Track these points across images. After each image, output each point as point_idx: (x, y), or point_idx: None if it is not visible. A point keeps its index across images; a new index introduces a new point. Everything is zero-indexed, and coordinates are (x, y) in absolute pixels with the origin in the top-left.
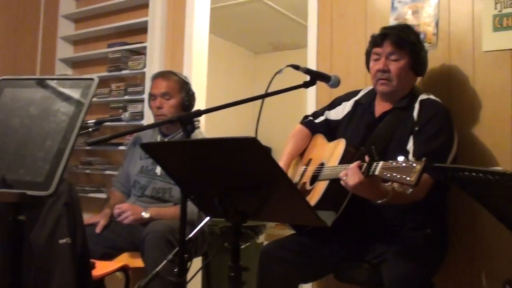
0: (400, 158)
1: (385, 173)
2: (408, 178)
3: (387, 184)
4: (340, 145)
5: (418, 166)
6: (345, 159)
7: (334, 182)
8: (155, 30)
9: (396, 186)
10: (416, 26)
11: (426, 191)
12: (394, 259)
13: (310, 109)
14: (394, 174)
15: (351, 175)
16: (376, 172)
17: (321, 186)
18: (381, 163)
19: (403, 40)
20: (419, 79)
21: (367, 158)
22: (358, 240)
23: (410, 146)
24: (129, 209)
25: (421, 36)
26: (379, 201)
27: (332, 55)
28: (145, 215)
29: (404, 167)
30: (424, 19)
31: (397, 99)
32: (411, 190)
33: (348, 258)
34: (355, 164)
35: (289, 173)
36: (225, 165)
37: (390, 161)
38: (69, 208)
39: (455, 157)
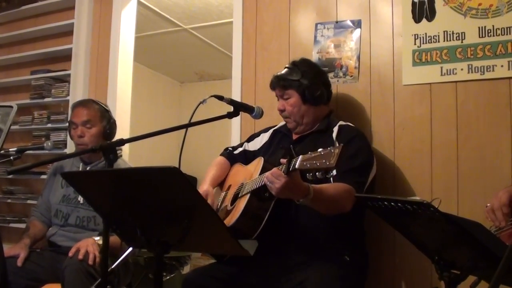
0: (320, 149)
1: (305, 163)
2: (328, 163)
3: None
4: (259, 163)
5: (336, 150)
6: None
7: (255, 195)
8: (79, 58)
9: (318, 174)
10: (338, 59)
11: (352, 203)
12: None
13: (235, 139)
14: (314, 162)
15: (274, 178)
16: (297, 166)
17: (242, 202)
18: (300, 156)
19: (285, 81)
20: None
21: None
22: (281, 266)
23: None
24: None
25: (343, 69)
26: (302, 199)
27: (256, 87)
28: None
29: (323, 154)
30: (346, 53)
31: (309, 128)
32: (332, 174)
33: (272, 286)
34: (275, 168)
35: (210, 201)
36: (147, 195)
37: (310, 152)
38: None
39: (375, 177)
